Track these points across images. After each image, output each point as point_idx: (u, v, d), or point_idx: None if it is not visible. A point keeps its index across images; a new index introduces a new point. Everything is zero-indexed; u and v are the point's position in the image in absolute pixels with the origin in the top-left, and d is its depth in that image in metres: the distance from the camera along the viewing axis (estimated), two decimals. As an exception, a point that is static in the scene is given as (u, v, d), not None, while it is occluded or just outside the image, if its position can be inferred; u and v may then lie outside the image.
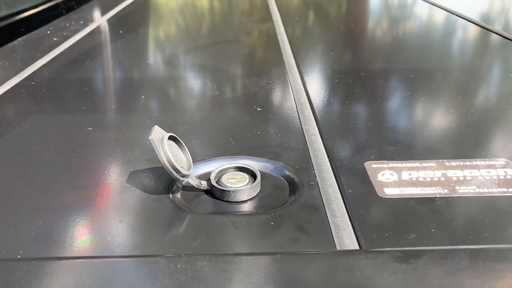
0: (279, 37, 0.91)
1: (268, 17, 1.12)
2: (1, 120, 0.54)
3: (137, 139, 0.48)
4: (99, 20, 1.11)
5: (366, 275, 0.25)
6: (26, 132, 0.50)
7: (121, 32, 1.01)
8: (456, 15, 1.08)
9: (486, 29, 0.95)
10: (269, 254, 0.29)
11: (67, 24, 1.04)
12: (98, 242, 0.32)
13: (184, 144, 0.39)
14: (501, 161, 0.42)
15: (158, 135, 0.36)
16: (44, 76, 0.69)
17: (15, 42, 0.90)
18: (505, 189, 0.37)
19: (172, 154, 0.36)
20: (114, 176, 0.41)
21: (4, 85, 0.64)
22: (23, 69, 0.71)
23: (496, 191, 0.37)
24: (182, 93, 0.65)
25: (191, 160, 0.39)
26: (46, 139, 0.48)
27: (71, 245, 0.32)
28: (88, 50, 0.85)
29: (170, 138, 0.37)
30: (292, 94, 0.60)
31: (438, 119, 0.54)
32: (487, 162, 0.41)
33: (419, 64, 0.76)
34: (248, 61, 0.81)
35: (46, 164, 0.43)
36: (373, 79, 0.68)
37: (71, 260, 0.29)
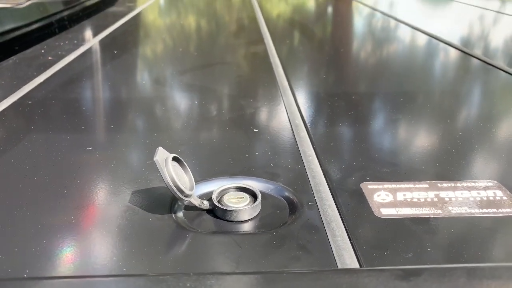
0: (271, 60, 0.94)
1: (260, 40, 1.14)
2: (1, 139, 0.54)
3: (137, 159, 0.49)
4: (93, 40, 1.12)
5: (369, 293, 0.26)
6: (27, 151, 0.50)
7: (116, 52, 1.03)
8: (445, 43, 1.12)
9: (470, 56, 0.98)
10: (275, 273, 0.30)
11: (61, 43, 1.04)
12: (104, 261, 0.33)
13: (186, 165, 0.40)
14: (490, 183, 0.43)
15: (162, 156, 0.37)
16: (41, 95, 0.70)
17: (10, 60, 0.90)
18: (494, 210, 0.39)
19: (176, 175, 0.37)
20: (116, 196, 0.41)
21: (1, 103, 0.65)
22: (19, 88, 0.71)
23: (485, 211, 0.39)
24: (180, 113, 0.66)
25: (194, 180, 0.40)
26: (46, 159, 0.49)
27: (78, 264, 0.32)
28: (84, 69, 0.86)
29: (174, 159, 0.38)
30: (287, 115, 0.62)
31: (429, 141, 0.56)
32: (477, 184, 0.43)
33: (409, 88, 0.79)
34: (243, 83, 0.82)
35: (48, 183, 0.44)
36: (364, 102, 0.70)
37: (81, 279, 0.30)
